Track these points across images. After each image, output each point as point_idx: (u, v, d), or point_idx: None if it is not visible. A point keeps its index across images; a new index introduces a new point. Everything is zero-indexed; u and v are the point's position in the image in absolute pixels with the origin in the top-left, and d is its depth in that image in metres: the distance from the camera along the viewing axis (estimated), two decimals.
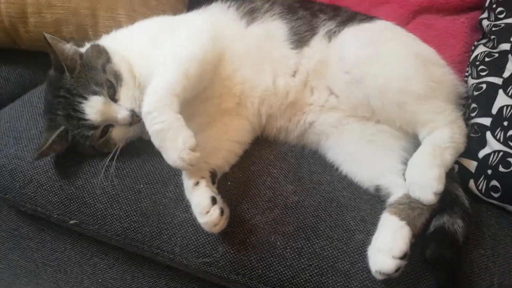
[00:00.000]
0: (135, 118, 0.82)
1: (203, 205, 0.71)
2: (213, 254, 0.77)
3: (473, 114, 0.85)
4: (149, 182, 0.84)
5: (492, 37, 0.92)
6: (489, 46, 0.91)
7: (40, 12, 1.05)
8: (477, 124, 0.82)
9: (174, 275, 0.90)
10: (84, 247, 1.00)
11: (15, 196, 0.90)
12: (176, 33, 0.86)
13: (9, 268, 1.07)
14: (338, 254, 0.74)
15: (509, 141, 0.76)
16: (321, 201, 0.80)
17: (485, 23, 0.98)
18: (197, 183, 0.74)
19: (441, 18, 1.10)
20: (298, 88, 0.89)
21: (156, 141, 0.71)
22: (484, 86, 0.85)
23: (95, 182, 0.85)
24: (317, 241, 0.75)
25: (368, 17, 0.93)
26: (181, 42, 0.83)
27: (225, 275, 0.77)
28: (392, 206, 0.75)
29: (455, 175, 0.81)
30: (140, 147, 0.90)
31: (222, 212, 0.71)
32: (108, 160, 0.84)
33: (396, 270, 0.65)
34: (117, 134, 0.84)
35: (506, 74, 0.83)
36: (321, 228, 0.76)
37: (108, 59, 0.85)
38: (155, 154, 0.87)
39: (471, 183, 0.80)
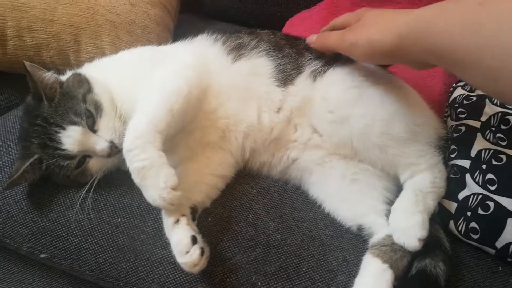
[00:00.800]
0: (114, 150, 0.80)
1: (183, 244, 0.69)
2: None
3: (452, 156, 0.86)
4: (127, 216, 0.81)
5: None
6: (467, 89, 0.94)
7: (21, 35, 1.03)
8: (457, 165, 0.84)
9: None
10: (54, 280, 0.96)
11: None
12: (161, 66, 0.85)
13: None
14: None
15: (487, 184, 0.78)
16: (304, 239, 0.79)
17: None
18: (177, 221, 0.72)
19: None
20: (282, 125, 0.90)
21: (136, 179, 0.69)
22: (463, 128, 0.87)
23: (70, 215, 0.82)
24: (299, 282, 0.73)
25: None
26: (166, 76, 0.82)
27: None
28: (375, 247, 0.75)
29: (436, 217, 0.81)
30: (118, 178, 0.87)
31: (202, 252, 0.69)
32: (84, 191, 0.81)
33: None
34: (94, 165, 0.82)
35: (483, 118, 0.85)
36: (303, 269, 0.75)
37: (89, 89, 0.83)
38: (134, 187, 0.84)
39: (451, 224, 0.81)
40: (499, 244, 0.75)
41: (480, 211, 0.77)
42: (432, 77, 1.08)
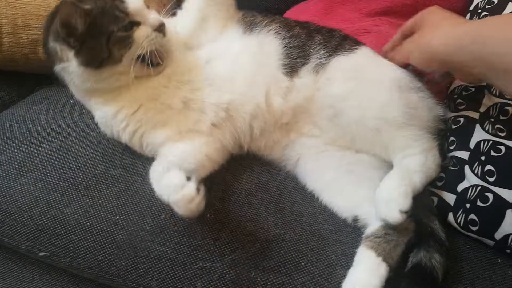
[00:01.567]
0: (161, 27, 0.83)
1: (176, 182, 0.67)
2: None
3: (451, 147, 0.86)
4: (126, 214, 0.81)
5: None
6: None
7: (16, 32, 1.02)
8: (456, 157, 0.84)
9: None
10: (54, 278, 0.96)
11: None
12: None
13: None
14: None
15: (486, 176, 0.77)
16: (303, 234, 0.79)
17: None
18: (168, 169, 0.72)
19: None
20: (290, 112, 0.90)
21: None
22: (461, 120, 0.86)
23: (68, 213, 0.82)
24: (298, 277, 0.73)
25: (354, 43, 0.94)
26: None
27: None
28: (369, 239, 0.75)
29: (433, 208, 0.81)
30: (117, 176, 0.87)
31: (198, 191, 0.67)
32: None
33: None
34: (140, 33, 0.81)
35: (482, 109, 0.85)
36: (303, 263, 0.75)
37: None
38: (132, 183, 0.86)
39: (450, 216, 0.80)
40: (498, 235, 0.75)
41: (479, 203, 0.77)
42: None
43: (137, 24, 0.82)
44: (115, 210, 0.82)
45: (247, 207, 0.83)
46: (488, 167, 0.78)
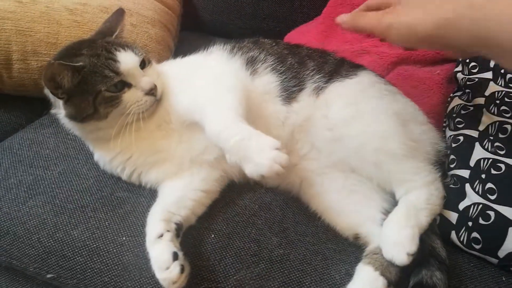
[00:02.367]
0: (153, 90, 0.84)
1: (163, 260, 0.69)
2: None
3: (452, 166, 0.87)
4: (132, 235, 0.82)
5: (467, 90, 0.96)
6: (464, 99, 0.95)
7: (25, 59, 1.05)
8: (456, 175, 0.84)
9: None
10: None
11: None
12: (201, 71, 0.91)
13: None
14: None
15: (487, 194, 0.78)
16: (306, 254, 0.80)
17: (459, 76, 1.02)
18: (160, 236, 0.73)
19: (418, 69, 1.14)
20: (286, 138, 0.90)
21: (239, 153, 0.70)
22: (461, 138, 0.88)
23: (76, 235, 0.83)
24: None
25: (353, 67, 0.95)
26: (214, 76, 0.88)
27: None
28: (367, 256, 0.76)
29: (434, 226, 0.82)
30: (123, 198, 0.89)
31: (182, 270, 0.69)
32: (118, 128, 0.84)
33: None
34: (130, 96, 0.83)
35: (481, 127, 0.86)
36: (307, 283, 0.75)
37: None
38: (138, 205, 0.87)
39: (453, 234, 0.81)
40: (502, 253, 0.75)
41: (481, 221, 0.77)
42: (430, 87, 1.09)
43: (128, 85, 0.83)
44: (121, 231, 0.83)
45: (251, 227, 0.84)
46: (489, 185, 0.79)
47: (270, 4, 1.50)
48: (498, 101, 0.89)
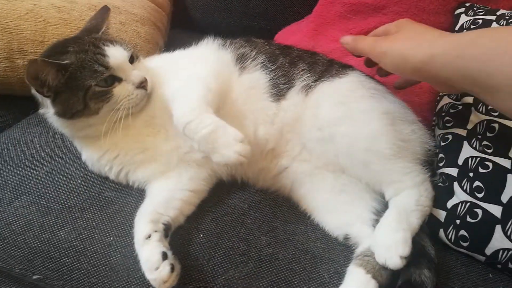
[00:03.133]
0: (145, 84, 0.84)
1: (153, 260, 0.69)
2: None
3: (440, 164, 0.87)
4: (119, 235, 0.82)
5: None
6: (453, 98, 0.96)
7: (11, 57, 1.04)
8: (445, 174, 0.85)
9: None
10: None
11: None
12: (185, 62, 0.93)
13: None
14: None
15: (475, 192, 0.79)
16: (295, 253, 0.80)
17: None
18: (149, 236, 0.72)
19: None
20: (276, 136, 0.90)
21: (207, 145, 0.74)
22: (450, 137, 0.88)
23: (62, 235, 0.82)
24: None
25: (343, 67, 0.95)
26: (195, 66, 0.89)
27: None
28: (358, 257, 0.76)
29: (423, 225, 0.81)
30: (111, 198, 0.88)
31: (172, 269, 0.69)
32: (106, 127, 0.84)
33: None
34: (120, 90, 0.83)
35: (469, 126, 0.86)
36: (295, 282, 0.75)
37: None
38: (126, 205, 0.87)
39: (441, 232, 0.81)
40: (489, 251, 0.76)
41: (468, 219, 0.78)
42: (419, 86, 1.10)
43: (118, 79, 0.83)
44: (109, 232, 0.82)
45: (240, 227, 0.84)
46: (477, 183, 0.79)
47: (261, 3, 1.49)
48: None
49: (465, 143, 0.84)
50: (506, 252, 0.74)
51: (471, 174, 0.81)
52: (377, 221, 0.80)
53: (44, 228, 0.83)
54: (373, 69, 1.01)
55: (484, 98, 0.64)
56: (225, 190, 0.92)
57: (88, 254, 0.80)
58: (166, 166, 0.89)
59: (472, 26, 1.03)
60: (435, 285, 0.73)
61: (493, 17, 1.00)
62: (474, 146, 0.83)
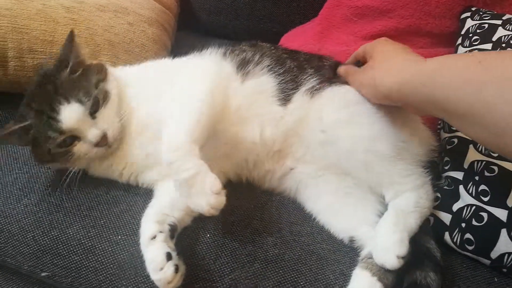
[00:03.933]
0: (103, 141, 0.83)
1: (157, 261, 0.69)
2: None
3: (446, 167, 0.88)
4: (127, 234, 0.82)
5: None
6: None
7: (21, 56, 1.05)
8: (450, 177, 0.85)
9: None
10: None
11: None
12: (181, 77, 0.89)
13: None
14: None
15: (481, 196, 0.79)
16: (301, 254, 0.80)
17: None
18: (154, 237, 0.73)
19: None
20: (282, 138, 0.91)
21: (182, 188, 0.71)
22: (455, 140, 0.89)
23: (71, 233, 0.83)
24: None
25: None
26: (189, 87, 0.85)
27: None
28: (364, 260, 0.76)
29: (428, 228, 0.82)
30: (118, 196, 0.89)
31: (177, 270, 0.69)
32: (65, 177, 0.86)
33: None
34: (79, 149, 0.84)
35: None
36: (301, 283, 0.76)
37: (104, 78, 0.88)
38: (133, 204, 0.87)
39: (447, 235, 0.82)
40: (494, 254, 0.76)
41: (474, 222, 0.78)
42: None
43: (77, 138, 0.83)
44: (117, 230, 0.83)
45: (246, 227, 0.84)
46: (482, 187, 0.80)
47: (267, 5, 1.50)
48: None
49: (471, 146, 0.85)
50: (511, 256, 0.74)
51: (476, 178, 0.81)
52: None
53: (53, 225, 0.84)
54: None
55: (454, 123, 0.66)
56: (231, 191, 0.92)
57: (96, 252, 0.81)
58: None
59: (478, 31, 1.03)
60: (440, 286, 0.73)
61: (499, 22, 1.01)
62: (479, 149, 0.84)
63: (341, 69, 0.90)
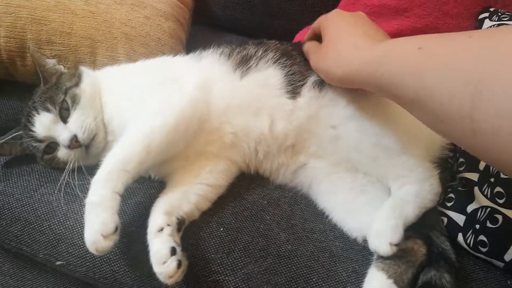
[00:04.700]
0: (74, 143, 0.85)
1: (161, 254, 0.70)
2: None
3: (461, 168, 0.87)
4: (142, 226, 0.82)
5: None
6: None
7: (40, 48, 1.06)
8: (465, 178, 0.85)
9: None
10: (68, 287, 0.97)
11: (0, 234, 0.88)
12: (158, 91, 0.89)
13: None
14: None
15: (496, 198, 0.79)
16: (314, 250, 0.81)
17: None
18: (161, 229, 0.74)
19: None
20: (295, 132, 0.91)
21: (85, 211, 0.72)
22: None
23: None
24: None
25: None
26: (157, 107, 0.85)
27: None
28: (379, 260, 0.75)
29: (443, 228, 0.82)
30: (133, 189, 0.90)
31: (179, 265, 0.70)
32: (62, 179, 0.88)
33: None
34: (62, 154, 0.88)
35: None
36: (314, 279, 0.76)
37: (76, 83, 0.91)
38: (148, 196, 0.88)
39: (460, 236, 0.82)
40: (508, 257, 0.76)
41: (488, 224, 0.78)
42: None
43: (57, 144, 0.88)
44: (131, 221, 0.84)
45: (259, 222, 0.85)
46: (498, 188, 0.79)
47: (282, 2, 1.50)
48: None
49: None
50: None
51: (492, 180, 0.80)
52: None
53: (68, 215, 0.85)
54: None
55: (407, 110, 0.64)
56: (244, 186, 0.93)
57: None
58: (185, 160, 0.90)
59: None
60: None
61: None
62: None
63: (304, 47, 0.90)
